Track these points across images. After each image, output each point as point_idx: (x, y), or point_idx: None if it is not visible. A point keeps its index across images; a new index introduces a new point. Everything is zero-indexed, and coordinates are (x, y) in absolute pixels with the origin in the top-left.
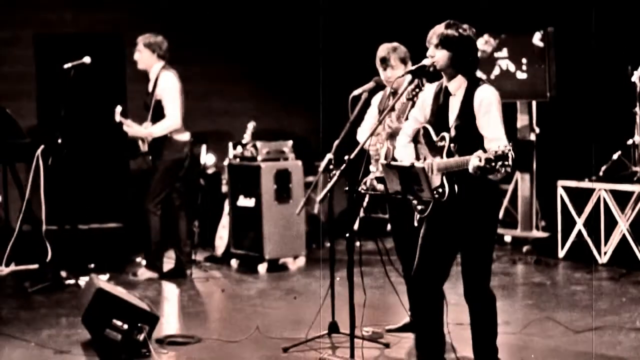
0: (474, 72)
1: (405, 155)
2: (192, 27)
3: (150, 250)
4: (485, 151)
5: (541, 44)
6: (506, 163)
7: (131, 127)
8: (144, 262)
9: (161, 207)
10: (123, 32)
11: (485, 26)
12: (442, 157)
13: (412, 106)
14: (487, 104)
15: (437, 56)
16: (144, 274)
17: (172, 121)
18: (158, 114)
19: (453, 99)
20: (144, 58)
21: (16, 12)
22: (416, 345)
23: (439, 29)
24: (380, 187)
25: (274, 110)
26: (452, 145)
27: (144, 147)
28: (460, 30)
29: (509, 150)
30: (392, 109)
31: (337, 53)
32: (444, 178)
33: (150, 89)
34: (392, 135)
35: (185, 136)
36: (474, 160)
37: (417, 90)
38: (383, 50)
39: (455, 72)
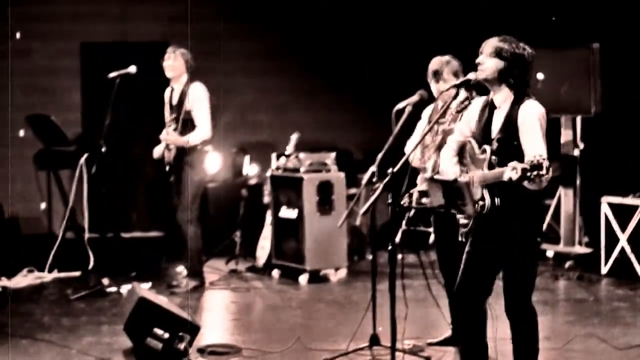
0: (522, 89)
1: (449, 168)
2: (238, 40)
3: (192, 260)
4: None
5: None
6: (541, 173)
7: (169, 135)
8: (185, 272)
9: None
10: (169, 41)
11: (532, 40)
12: (483, 169)
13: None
14: (531, 120)
15: (486, 64)
16: (187, 283)
17: (205, 132)
18: (187, 125)
19: (497, 112)
20: (178, 66)
21: (63, 20)
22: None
23: (494, 40)
24: (425, 200)
25: (318, 121)
26: (493, 157)
27: (169, 157)
28: (514, 45)
29: (544, 159)
30: (439, 120)
31: (382, 66)
32: (485, 190)
33: (176, 99)
34: (441, 148)
35: (209, 147)
36: (509, 172)
37: (467, 102)
38: (436, 63)
39: (501, 85)
